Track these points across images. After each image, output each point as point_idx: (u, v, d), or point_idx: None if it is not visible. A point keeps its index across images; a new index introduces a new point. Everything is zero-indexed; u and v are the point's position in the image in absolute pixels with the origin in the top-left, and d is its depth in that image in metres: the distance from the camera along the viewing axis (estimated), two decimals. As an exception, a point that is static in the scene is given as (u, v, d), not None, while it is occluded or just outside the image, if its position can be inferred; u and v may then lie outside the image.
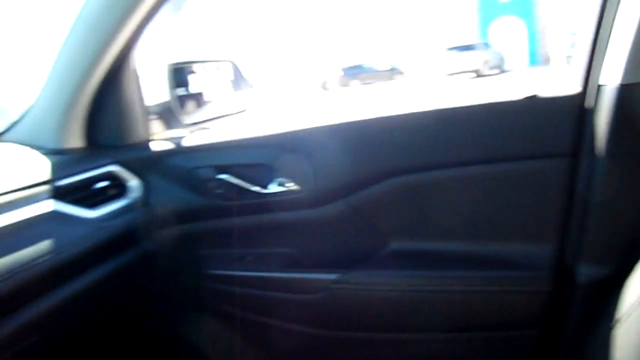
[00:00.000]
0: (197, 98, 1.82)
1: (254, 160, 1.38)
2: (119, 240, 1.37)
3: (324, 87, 20.93)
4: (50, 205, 1.25)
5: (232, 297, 1.47)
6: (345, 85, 20.55)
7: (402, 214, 1.36)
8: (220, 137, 1.46)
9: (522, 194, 1.25)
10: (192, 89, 1.81)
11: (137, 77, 1.54)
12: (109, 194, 1.42)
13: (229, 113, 1.78)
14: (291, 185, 1.36)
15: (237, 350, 1.60)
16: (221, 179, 1.40)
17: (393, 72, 21.77)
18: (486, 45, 20.04)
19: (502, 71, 19.24)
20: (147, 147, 1.52)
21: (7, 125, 1.56)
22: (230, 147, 1.42)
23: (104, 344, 1.58)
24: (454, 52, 19.22)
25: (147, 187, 1.47)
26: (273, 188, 1.37)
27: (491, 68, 18.97)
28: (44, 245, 1.17)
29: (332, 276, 1.30)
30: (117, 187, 1.45)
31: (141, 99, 1.55)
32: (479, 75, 18.42)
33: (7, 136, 1.55)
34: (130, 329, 1.60)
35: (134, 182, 1.47)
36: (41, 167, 1.30)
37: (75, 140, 1.50)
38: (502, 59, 19.79)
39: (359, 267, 1.33)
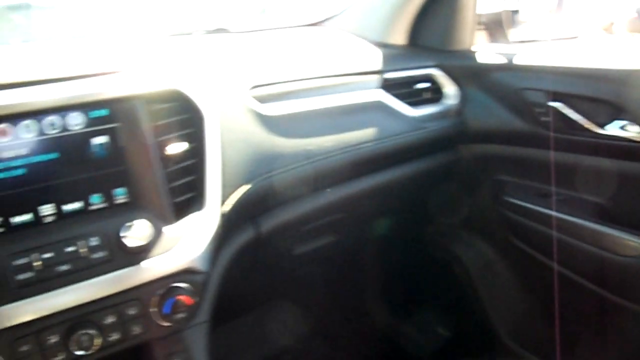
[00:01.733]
0: (527, 15, 1.67)
1: (595, 94, 1.22)
2: (431, 143, 1.36)
3: (609, 31, 18.46)
4: (377, 94, 1.27)
5: (522, 230, 1.39)
6: (638, 31, 17.81)
7: None
8: (556, 60, 1.31)
9: None
10: (523, 4, 1.66)
11: (476, -18, 1.45)
12: (425, 96, 1.40)
13: (561, 37, 1.60)
14: (637, 132, 1.18)
15: (507, 284, 1.54)
16: (552, 107, 1.27)
17: None
18: None
19: None
20: (471, 57, 1.45)
21: (334, 13, 1.62)
22: (567, 74, 1.28)
23: (385, 236, 1.63)
24: None
25: (464, 97, 1.42)
26: (612, 130, 1.21)
27: None
28: (369, 132, 1.21)
29: None
30: (435, 91, 1.42)
31: (474, 6, 1.47)
32: None
33: (332, 22, 1.61)
34: (410, 229, 1.64)
35: (451, 89, 1.43)
36: (369, 57, 1.32)
37: (399, 37, 1.49)
38: None
39: None
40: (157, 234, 0.85)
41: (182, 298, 0.87)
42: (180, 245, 0.87)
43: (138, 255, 0.83)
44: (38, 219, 0.81)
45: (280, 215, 1.13)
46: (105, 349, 0.84)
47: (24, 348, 0.77)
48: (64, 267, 0.79)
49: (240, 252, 1.06)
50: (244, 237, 1.08)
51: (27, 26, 1.66)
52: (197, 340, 0.97)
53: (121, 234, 0.82)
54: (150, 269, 0.84)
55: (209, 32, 1.48)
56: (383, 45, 1.43)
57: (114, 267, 0.81)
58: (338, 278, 1.67)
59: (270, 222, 1.12)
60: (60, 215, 0.83)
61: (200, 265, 0.89)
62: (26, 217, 0.81)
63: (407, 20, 1.47)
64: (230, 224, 0.97)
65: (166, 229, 0.87)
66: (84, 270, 0.80)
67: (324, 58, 1.25)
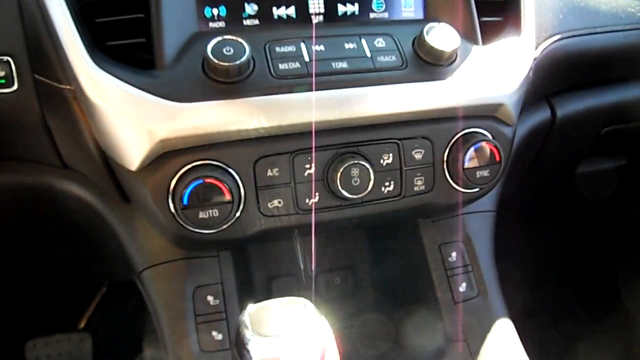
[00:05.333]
0: None
1: None
2: None
3: None
4: None
5: None
6: None
7: None
8: None
9: None
10: None
11: None
12: None
13: None
14: None
15: None
16: None
17: None
18: None
19: None
20: None
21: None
22: None
23: None
24: None
25: None
26: None
27: None
28: None
29: None
30: None
31: None
32: None
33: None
34: None
35: None
36: None
37: None
38: None
39: None
40: (464, 49, 0.60)
41: (489, 146, 0.59)
42: (492, 73, 0.60)
43: (440, 68, 0.57)
44: (304, 15, 0.60)
45: (577, 101, 0.83)
46: (369, 205, 0.59)
47: (270, 173, 0.55)
48: (341, 65, 0.55)
49: (531, 136, 0.77)
50: (538, 117, 0.79)
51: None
52: (482, 233, 0.69)
53: (420, 36, 0.57)
54: (453, 90, 0.57)
55: None
56: None
57: (407, 77, 0.56)
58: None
59: (566, 107, 0.82)
60: (331, 16, 0.61)
61: (511, 107, 0.61)
62: (290, 10, 0.60)
63: None
64: (533, 88, 0.68)
65: (474, 48, 0.61)
66: (368, 72, 0.56)
67: None
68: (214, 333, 0.60)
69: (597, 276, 1.26)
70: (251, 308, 0.42)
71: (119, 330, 1.22)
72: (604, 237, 1.23)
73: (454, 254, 0.68)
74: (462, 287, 0.67)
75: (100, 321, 1.21)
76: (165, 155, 0.52)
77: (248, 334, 0.40)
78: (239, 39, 0.51)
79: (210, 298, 0.61)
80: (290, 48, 0.55)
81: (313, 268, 0.65)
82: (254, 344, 0.39)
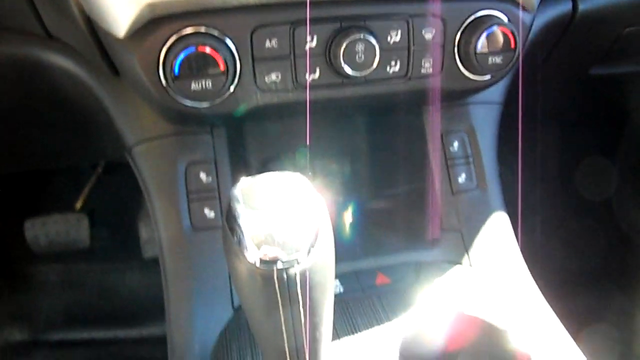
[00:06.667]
0: None
1: None
2: None
3: None
4: None
5: None
6: None
7: None
8: None
9: None
10: None
11: None
12: None
13: None
14: None
15: None
16: None
17: None
18: None
19: None
20: None
21: None
22: None
23: None
24: None
25: None
26: None
27: None
28: None
29: None
30: None
31: None
32: None
33: None
34: None
35: None
36: None
37: None
38: None
39: None
40: None
41: (504, 30, 0.55)
42: None
43: None
44: None
45: None
46: (372, 85, 0.56)
47: (269, 44, 0.51)
48: None
49: (547, 30, 0.72)
50: (558, 10, 0.74)
51: None
52: (487, 125, 0.67)
53: None
54: None
55: None
56: None
57: None
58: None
59: (589, 1, 0.77)
60: None
61: None
62: None
63: None
64: None
65: None
66: None
67: None
68: (206, 210, 0.59)
69: (595, 173, 1.25)
70: (243, 182, 0.40)
71: (115, 210, 1.22)
72: (609, 140, 1.21)
73: (455, 144, 0.66)
74: (462, 178, 0.65)
75: (96, 202, 1.22)
76: (155, 22, 0.49)
77: (239, 207, 0.37)
78: None
79: (202, 175, 0.60)
80: None
81: (307, 144, 0.63)
82: (245, 218, 0.37)
